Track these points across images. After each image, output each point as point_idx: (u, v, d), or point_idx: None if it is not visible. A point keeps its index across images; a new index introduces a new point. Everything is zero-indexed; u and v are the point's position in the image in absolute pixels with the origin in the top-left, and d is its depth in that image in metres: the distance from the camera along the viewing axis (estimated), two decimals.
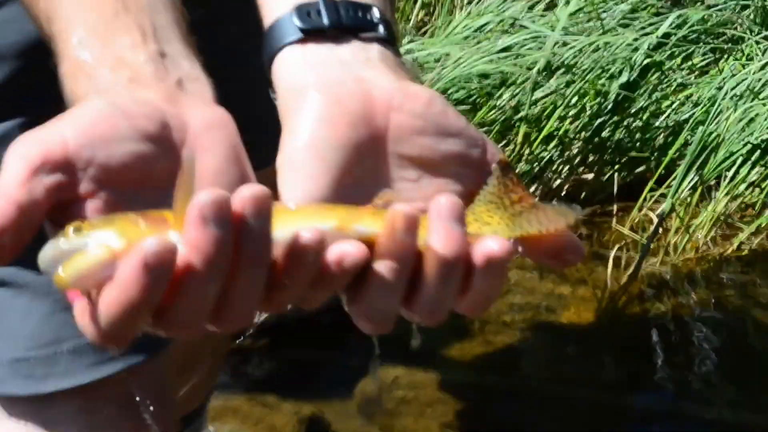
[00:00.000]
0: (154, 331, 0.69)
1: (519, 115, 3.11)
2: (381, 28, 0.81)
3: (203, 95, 0.78)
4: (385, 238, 0.70)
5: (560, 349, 2.63)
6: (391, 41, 0.83)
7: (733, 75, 3.13)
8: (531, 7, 3.49)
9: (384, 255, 0.70)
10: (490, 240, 0.72)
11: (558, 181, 3.19)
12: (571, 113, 3.19)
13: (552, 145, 3.17)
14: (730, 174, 2.96)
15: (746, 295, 2.77)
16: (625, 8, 3.44)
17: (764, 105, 2.99)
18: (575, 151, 3.20)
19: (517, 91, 3.12)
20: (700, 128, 2.96)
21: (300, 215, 0.73)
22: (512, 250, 0.73)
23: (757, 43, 3.31)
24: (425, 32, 3.72)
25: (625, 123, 3.21)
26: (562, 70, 3.21)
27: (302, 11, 0.81)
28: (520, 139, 3.11)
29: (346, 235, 0.72)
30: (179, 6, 0.84)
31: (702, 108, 3.08)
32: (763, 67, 3.10)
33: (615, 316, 2.73)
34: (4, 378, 1.11)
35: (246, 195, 0.67)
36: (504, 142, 3.06)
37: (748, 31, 3.40)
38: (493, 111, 3.07)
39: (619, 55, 3.20)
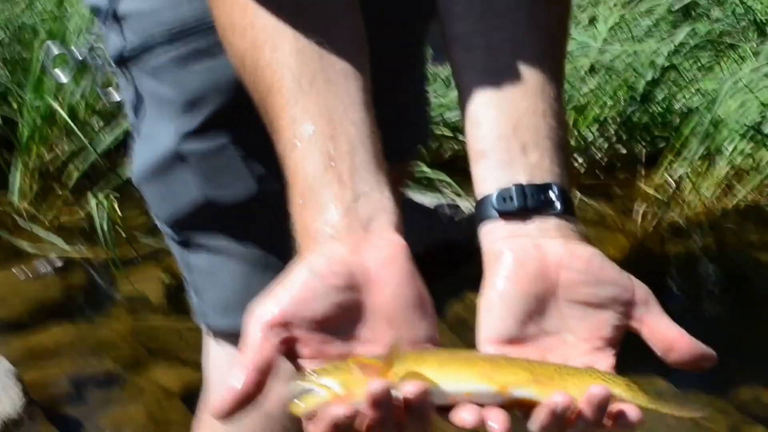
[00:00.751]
0: None
1: (570, 106, 3.39)
2: (557, 204, 0.89)
3: (386, 227, 0.87)
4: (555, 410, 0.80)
5: None
6: (567, 209, 0.90)
7: (732, 73, 3.47)
8: (577, 24, 3.77)
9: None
10: (630, 410, 0.82)
11: (599, 155, 3.50)
12: (609, 103, 3.50)
13: (594, 128, 3.51)
14: (730, 147, 3.26)
15: (742, 239, 3.12)
16: (649, 23, 3.80)
17: (755, 96, 3.28)
18: (612, 131, 3.53)
19: (569, 87, 3.37)
20: (707, 113, 3.28)
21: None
22: (641, 420, 0.82)
23: (751, 48, 3.63)
24: None
25: (650, 110, 3.51)
26: (603, 71, 3.55)
27: (501, 195, 0.90)
28: (570, 123, 3.33)
29: (502, 398, 0.82)
30: (373, 126, 0.91)
31: (708, 98, 3.39)
32: (755, 68, 3.42)
33: (642, 254, 3.00)
34: (212, 316, 1.26)
35: (408, 390, 0.78)
36: None
37: (743, 39, 3.76)
38: None
39: (645, 59, 3.54)
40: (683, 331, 0.88)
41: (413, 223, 2.82)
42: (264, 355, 0.81)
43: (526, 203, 0.90)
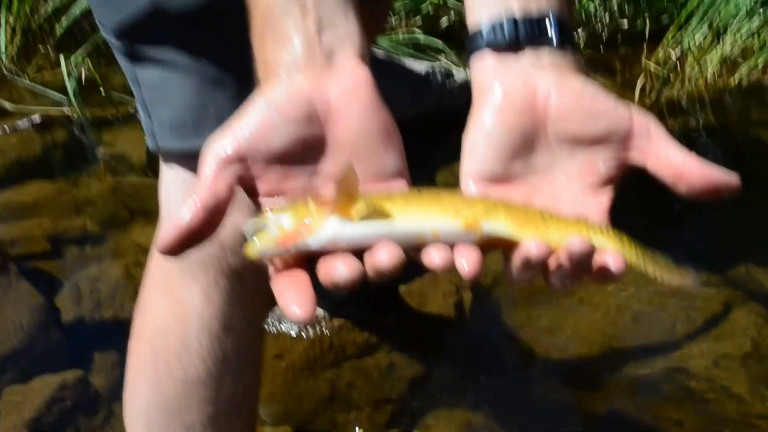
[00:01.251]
0: None
1: None
2: (553, 36, 0.87)
3: (350, 57, 0.84)
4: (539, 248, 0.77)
5: None
6: (564, 41, 0.87)
7: None
8: None
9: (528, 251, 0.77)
10: (611, 258, 0.78)
11: (601, 29, 3.48)
12: None
13: (597, 1, 3.48)
14: (735, 25, 3.21)
15: (743, 117, 3.09)
16: None
17: None
18: (615, 5, 3.49)
19: None
20: None
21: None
22: (623, 273, 0.78)
23: None
24: None
25: None
26: None
27: (492, 27, 0.87)
28: None
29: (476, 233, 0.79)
30: None
31: None
32: None
33: None
34: (162, 135, 1.21)
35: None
36: None
37: None
38: None
39: None
40: (693, 156, 0.82)
41: (404, 87, 2.80)
42: (215, 192, 0.79)
43: (518, 35, 0.87)
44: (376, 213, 0.80)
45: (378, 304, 2.13)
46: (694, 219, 2.45)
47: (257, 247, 0.79)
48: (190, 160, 1.15)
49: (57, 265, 2.34)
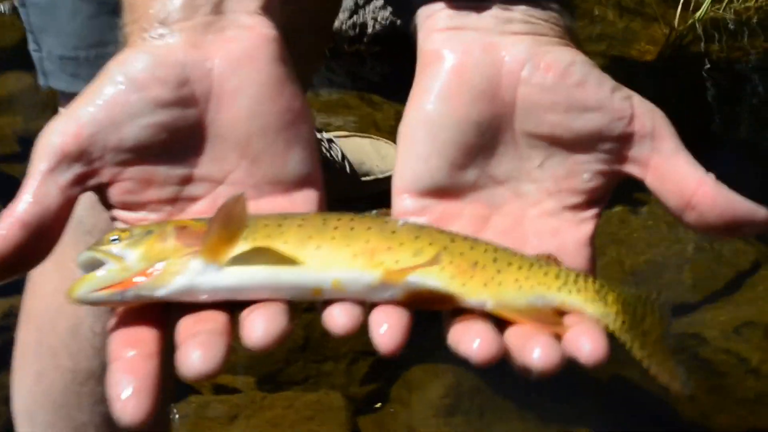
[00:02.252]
0: None
1: None
2: None
3: (246, 5, 0.67)
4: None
5: (629, 80, 2.52)
6: None
7: None
8: None
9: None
10: (588, 339, 0.59)
11: None
12: None
13: None
14: None
15: None
16: None
17: None
18: None
19: None
20: None
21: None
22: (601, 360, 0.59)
23: None
24: None
25: None
26: None
27: None
28: None
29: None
30: None
31: None
32: None
33: (677, 53, 2.77)
34: (53, 72, 1.06)
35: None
36: None
37: None
38: None
39: None
40: (709, 177, 0.63)
41: None
42: (43, 202, 0.61)
43: None
44: (257, 254, 0.61)
45: None
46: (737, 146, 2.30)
47: (81, 289, 0.62)
48: None
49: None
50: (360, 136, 2.05)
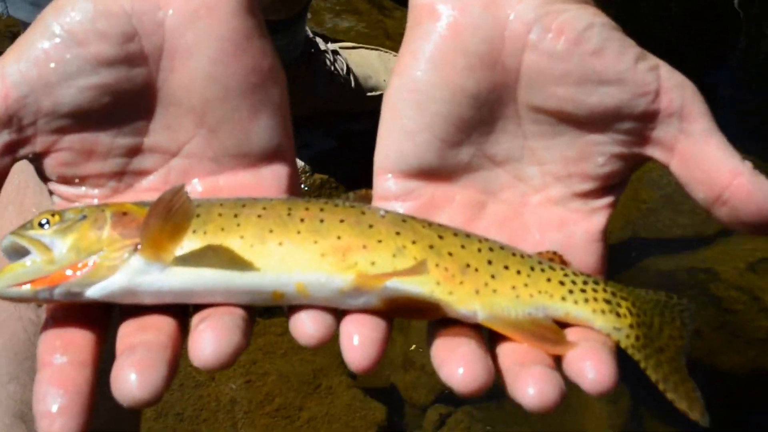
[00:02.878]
0: None
1: None
2: None
3: None
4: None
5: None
6: None
7: None
8: None
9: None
10: (594, 361, 0.52)
11: None
12: None
13: None
14: None
15: None
16: None
17: None
18: None
19: None
20: None
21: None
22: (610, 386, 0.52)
23: None
24: None
25: None
26: None
27: None
28: None
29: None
30: None
31: None
32: None
33: None
34: (14, 0, 0.95)
35: None
36: None
37: None
38: None
39: None
40: (745, 167, 0.53)
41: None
42: None
43: None
44: (208, 252, 0.52)
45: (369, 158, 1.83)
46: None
47: (1, 283, 0.52)
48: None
49: None
50: (367, 48, 1.93)
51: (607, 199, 0.58)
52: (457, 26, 0.57)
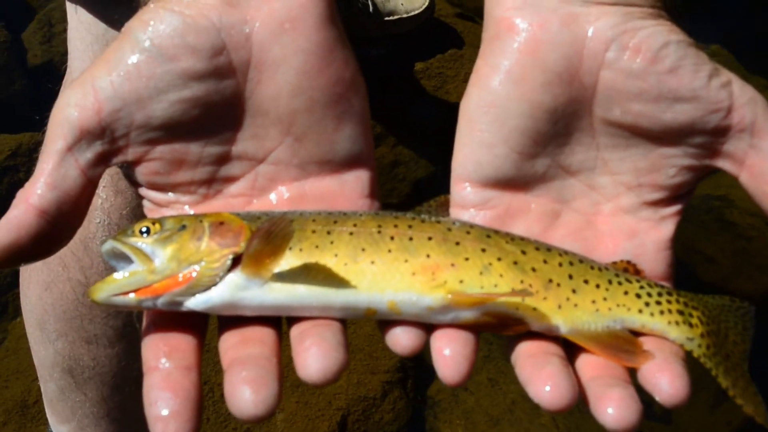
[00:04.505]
0: None
1: None
2: None
3: None
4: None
5: None
6: None
7: None
8: None
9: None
10: (668, 378, 0.53)
11: None
12: None
13: None
14: None
15: None
16: None
17: None
18: None
19: None
20: None
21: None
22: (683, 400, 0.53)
23: None
24: None
25: None
26: None
27: None
28: None
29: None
30: None
31: None
32: None
33: None
34: None
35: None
36: None
37: None
38: None
39: None
40: None
41: None
42: (61, 185, 0.53)
43: None
44: (305, 270, 0.54)
45: (387, 84, 1.83)
46: None
47: (104, 291, 0.54)
48: (97, 4, 0.90)
49: None
50: None
51: (676, 208, 0.59)
52: (536, 42, 0.57)
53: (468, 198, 0.60)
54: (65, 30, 1.83)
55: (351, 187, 0.59)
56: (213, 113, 0.57)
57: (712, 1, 2.02)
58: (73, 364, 1.06)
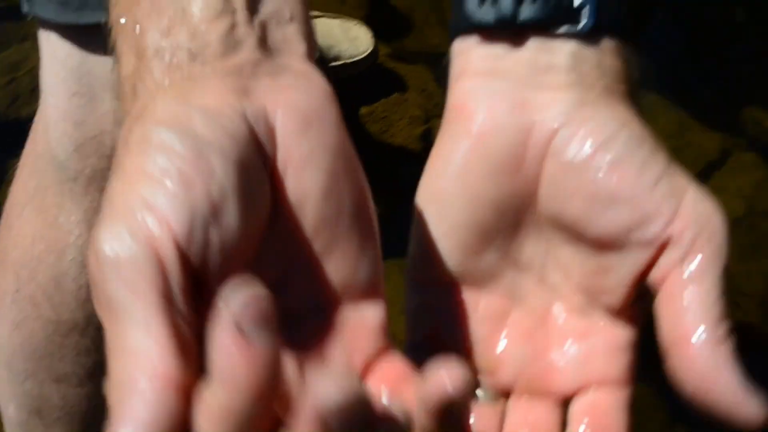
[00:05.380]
0: None
1: None
2: (585, 16, 0.52)
3: (296, 50, 0.49)
4: None
5: None
6: (609, 21, 0.53)
7: None
8: None
9: None
10: None
11: None
12: None
13: None
14: None
15: None
16: None
17: None
18: None
19: None
20: None
21: None
22: None
23: None
24: None
25: None
26: None
27: None
28: None
29: None
30: None
31: None
32: None
33: None
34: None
35: None
36: None
37: None
38: None
39: None
40: (713, 331, 0.46)
41: None
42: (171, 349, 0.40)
43: (517, 11, 0.52)
44: None
45: None
46: None
47: None
48: (74, 33, 0.85)
49: None
50: (329, 17, 1.93)
51: (632, 312, 0.53)
52: (483, 129, 0.52)
53: (412, 301, 0.57)
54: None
55: (370, 325, 0.50)
56: (255, 212, 0.47)
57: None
58: (41, 404, 1.05)
